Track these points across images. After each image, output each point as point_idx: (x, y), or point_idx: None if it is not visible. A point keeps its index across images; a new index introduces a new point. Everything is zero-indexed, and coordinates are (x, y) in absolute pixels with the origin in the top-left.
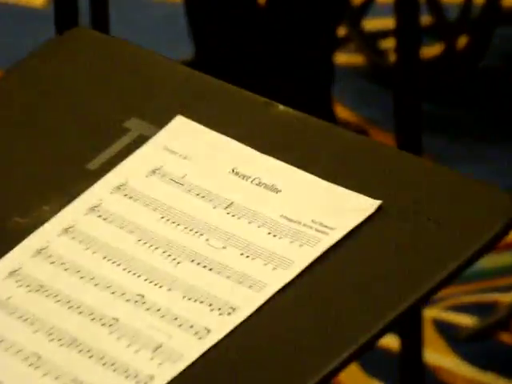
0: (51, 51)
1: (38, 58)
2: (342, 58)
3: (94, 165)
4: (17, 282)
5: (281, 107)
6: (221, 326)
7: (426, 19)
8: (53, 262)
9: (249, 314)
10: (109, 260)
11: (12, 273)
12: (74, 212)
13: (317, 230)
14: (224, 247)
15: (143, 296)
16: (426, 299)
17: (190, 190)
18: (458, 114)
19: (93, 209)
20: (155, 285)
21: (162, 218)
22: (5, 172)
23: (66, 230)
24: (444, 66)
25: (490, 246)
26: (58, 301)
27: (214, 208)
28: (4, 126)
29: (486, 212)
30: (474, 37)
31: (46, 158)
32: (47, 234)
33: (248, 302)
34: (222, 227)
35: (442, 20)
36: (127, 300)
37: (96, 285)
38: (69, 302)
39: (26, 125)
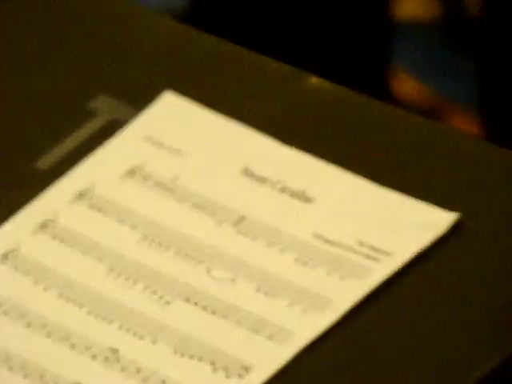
0: None
1: None
2: (406, 8)
3: (46, 163)
4: None
5: (314, 79)
6: None
7: None
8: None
9: (268, 377)
10: (66, 300)
11: None
12: (17, 230)
13: (366, 256)
14: (233, 280)
15: (117, 351)
16: None
17: (183, 199)
18: None
19: (44, 225)
20: (134, 335)
21: (144, 238)
22: None
23: (5, 256)
24: None
25: None
26: None
27: (219, 224)
28: None
29: None
30: None
31: None
32: None
33: (267, 360)
34: (229, 252)
35: None
36: (93, 356)
37: (48, 335)
38: (8, 359)
39: None
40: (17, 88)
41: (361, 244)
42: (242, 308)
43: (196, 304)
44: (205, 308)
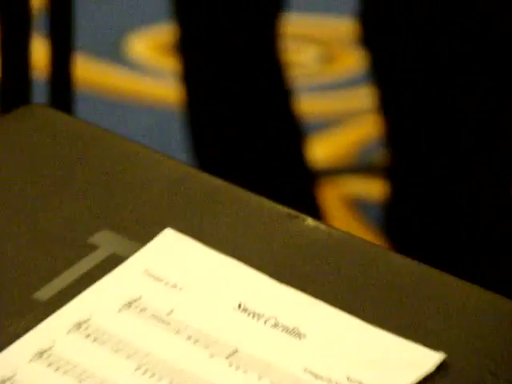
0: None
1: None
2: None
3: (44, 294)
4: None
5: (309, 220)
6: None
7: None
8: None
9: None
10: None
11: None
12: (14, 358)
13: None
14: None
15: None
16: None
17: (178, 331)
18: None
19: (41, 354)
20: None
21: (138, 369)
22: None
23: (2, 382)
24: None
25: None
26: None
27: (212, 357)
28: None
29: None
30: None
31: None
32: None
33: None
34: (221, 383)
35: None
36: None
37: None
38: None
39: None
40: (22, 221)
41: (349, 380)
42: None
43: None
44: None
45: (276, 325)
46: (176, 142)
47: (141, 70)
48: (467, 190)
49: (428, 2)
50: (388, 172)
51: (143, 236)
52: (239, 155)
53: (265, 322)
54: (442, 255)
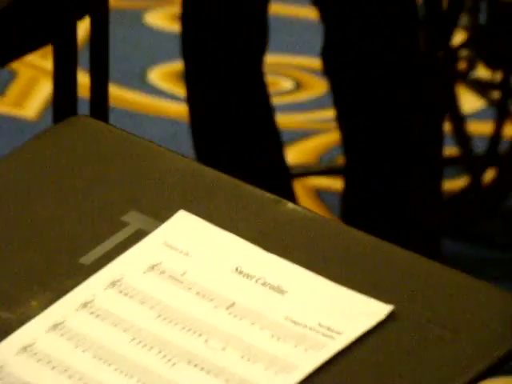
0: (50, 139)
1: (36, 146)
2: None
3: (88, 259)
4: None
5: (290, 205)
6: None
7: (452, 151)
8: (39, 360)
9: None
10: (99, 359)
11: None
12: (64, 308)
13: (323, 335)
14: (223, 349)
15: None
16: None
17: (189, 288)
18: (480, 252)
19: (85, 305)
20: None
21: (159, 316)
22: None
23: (54, 327)
24: (469, 200)
25: (505, 361)
26: None
27: (215, 308)
28: None
29: (504, 324)
30: (501, 172)
31: (37, 250)
32: (34, 330)
33: None
34: (222, 328)
35: (468, 152)
36: None
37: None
38: None
39: (20, 214)
40: (71, 203)
41: (320, 325)
42: (229, 370)
43: (195, 366)
44: (202, 368)
45: (264, 284)
46: (184, 144)
47: (158, 93)
48: (404, 187)
49: (372, 42)
50: (344, 171)
51: (162, 216)
52: (233, 156)
53: (255, 282)
54: (384, 233)
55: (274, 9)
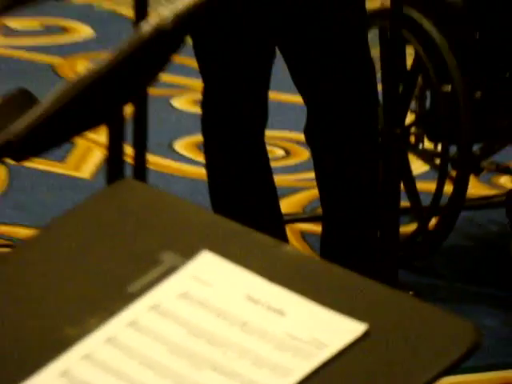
0: (105, 197)
1: (93, 203)
2: None
3: (134, 287)
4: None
5: (288, 247)
6: None
7: (405, 204)
8: (97, 366)
9: None
10: (145, 366)
11: (62, 373)
12: (115, 325)
13: (315, 347)
14: (239, 358)
15: None
16: None
17: (211, 311)
18: (427, 281)
19: (132, 323)
20: None
21: (189, 332)
22: (62, 292)
23: (108, 340)
24: (417, 241)
25: (454, 367)
26: None
27: (231, 326)
28: (63, 258)
29: (451, 339)
30: (442, 220)
31: (95, 281)
32: (93, 342)
33: None
34: (237, 342)
35: (417, 205)
36: None
37: None
38: None
39: (82, 254)
40: (121, 247)
41: (313, 339)
42: (244, 374)
43: (216, 370)
44: (222, 373)
45: (269, 308)
46: (202, 198)
47: (182, 159)
48: (367, 230)
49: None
50: (322, 218)
51: (190, 255)
52: (241, 207)
53: (262, 306)
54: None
55: (272, 96)
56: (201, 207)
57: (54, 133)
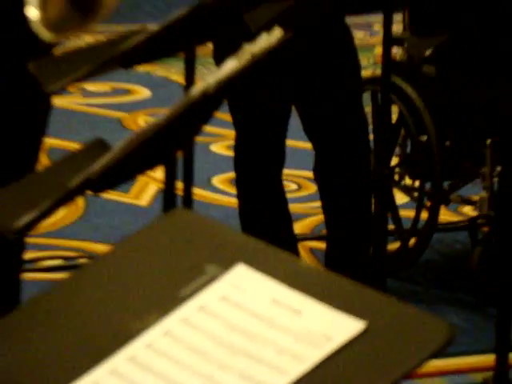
0: (162, 223)
1: (152, 228)
2: None
3: (184, 292)
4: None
5: (302, 261)
6: None
7: (390, 227)
8: (158, 354)
9: None
10: (194, 352)
11: (129, 358)
12: (170, 321)
13: (324, 337)
14: (264, 347)
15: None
16: None
17: (245, 311)
18: (408, 287)
19: (183, 320)
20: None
21: (228, 327)
22: (128, 296)
23: (166, 333)
24: (400, 256)
25: (434, 356)
26: None
27: (261, 322)
28: (130, 269)
29: (431, 334)
30: (419, 240)
31: (153, 287)
32: (153, 334)
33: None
34: (264, 335)
35: (400, 228)
36: None
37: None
38: None
39: (144, 267)
40: (176, 261)
41: (323, 333)
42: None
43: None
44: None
45: (289, 308)
46: (233, 222)
47: (218, 191)
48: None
49: (342, 166)
50: (326, 238)
51: (229, 266)
52: (266, 230)
53: (285, 307)
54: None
55: (288, 142)
56: (234, 229)
57: (123, 172)
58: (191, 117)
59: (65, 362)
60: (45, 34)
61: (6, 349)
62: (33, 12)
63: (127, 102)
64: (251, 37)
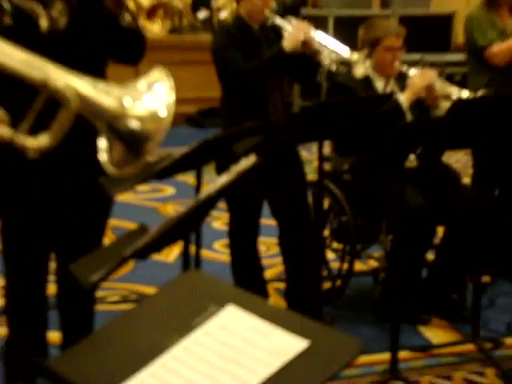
0: (180, 280)
1: (171, 285)
2: None
3: (194, 324)
4: None
5: (271, 302)
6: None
7: (324, 273)
8: (182, 366)
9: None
10: (201, 361)
11: (161, 366)
12: (187, 342)
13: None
14: (245, 358)
15: None
16: None
17: (234, 335)
18: (336, 312)
19: (195, 341)
20: None
21: (223, 345)
22: (157, 326)
23: (185, 349)
24: (330, 292)
25: (348, 365)
26: None
27: (242, 341)
28: (159, 311)
29: (347, 349)
30: (342, 282)
31: (172, 320)
32: (176, 350)
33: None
34: (244, 350)
35: (330, 273)
36: None
37: None
38: None
39: (168, 309)
40: (188, 305)
41: (278, 348)
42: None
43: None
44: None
45: (262, 333)
46: (226, 276)
47: (217, 252)
48: (308, 288)
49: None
50: (286, 281)
51: (223, 306)
52: (252, 280)
53: (259, 332)
54: (301, 310)
55: (262, 220)
56: (228, 283)
57: (158, 245)
58: (200, 210)
59: (117, 371)
60: (111, 170)
61: (87, 361)
62: (103, 156)
63: (160, 197)
64: (236, 159)
